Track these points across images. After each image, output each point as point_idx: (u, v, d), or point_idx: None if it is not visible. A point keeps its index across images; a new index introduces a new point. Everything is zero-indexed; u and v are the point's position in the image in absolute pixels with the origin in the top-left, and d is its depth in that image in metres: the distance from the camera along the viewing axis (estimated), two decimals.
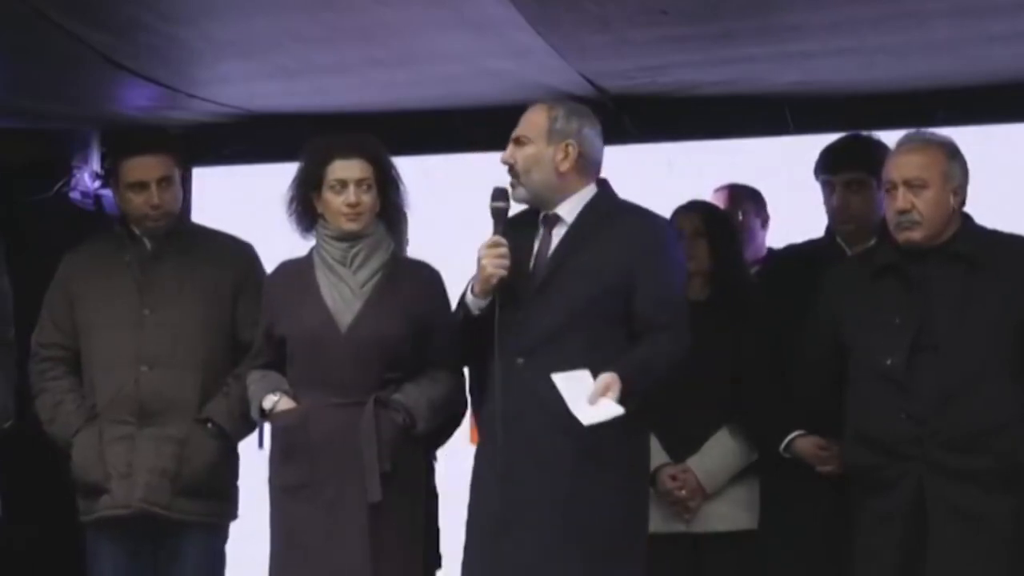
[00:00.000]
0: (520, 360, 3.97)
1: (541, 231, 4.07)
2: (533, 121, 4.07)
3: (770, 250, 5.15)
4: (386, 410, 4.14)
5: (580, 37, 4.76)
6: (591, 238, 4.02)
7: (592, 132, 4.10)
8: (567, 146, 4.04)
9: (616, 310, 3.98)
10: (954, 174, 4.02)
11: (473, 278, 4.01)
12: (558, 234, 4.06)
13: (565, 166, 4.05)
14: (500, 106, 4.23)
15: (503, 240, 3.97)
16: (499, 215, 4.01)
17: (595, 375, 3.87)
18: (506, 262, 3.94)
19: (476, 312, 4.00)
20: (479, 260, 3.95)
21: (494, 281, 3.95)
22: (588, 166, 4.09)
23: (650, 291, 3.97)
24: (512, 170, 4.05)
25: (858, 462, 4.06)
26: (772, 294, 4.55)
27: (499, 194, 4.03)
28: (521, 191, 4.04)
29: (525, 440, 3.94)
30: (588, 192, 4.09)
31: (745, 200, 5.22)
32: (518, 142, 4.05)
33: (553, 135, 4.04)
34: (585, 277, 3.98)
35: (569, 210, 4.06)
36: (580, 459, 3.93)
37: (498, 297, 3.96)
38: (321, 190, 4.24)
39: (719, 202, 5.17)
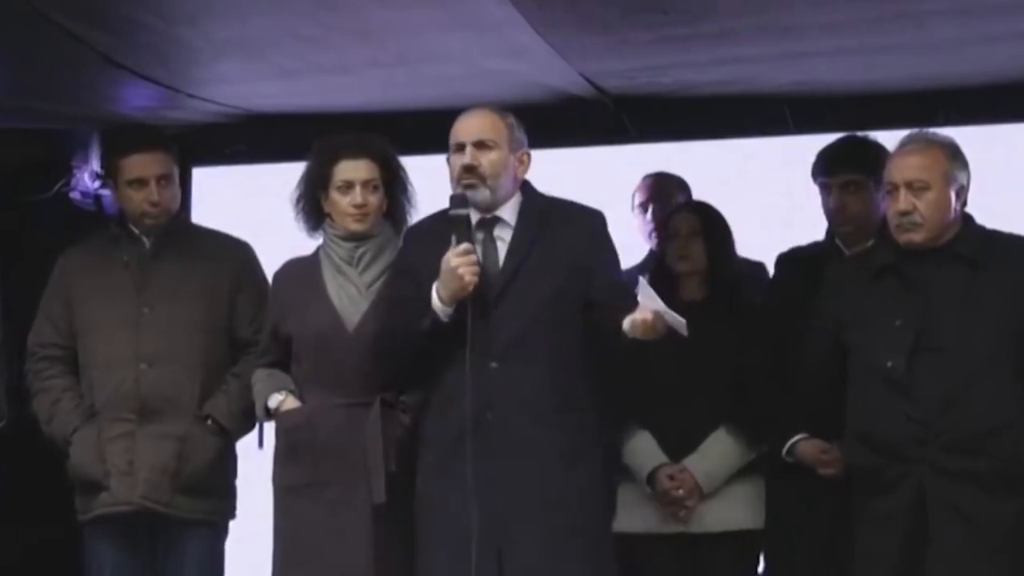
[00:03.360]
0: (494, 364, 3.96)
1: (481, 235, 4.05)
2: (493, 126, 4.08)
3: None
4: (392, 410, 4.14)
5: (580, 37, 4.76)
6: (539, 237, 4.05)
7: None
8: (523, 155, 4.11)
9: (576, 300, 4.01)
10: (956, 175, 4.01)
11: (436, 286, 3.96)
12: (501, 236, 4.07)
13: (522, 172, 4.12)
14: (501, 106, 4.23)
15: (472, 247, 3.95)
16: (463, 222, 3.98)
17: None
18: (478, 268, 3.93)
19: (445, 320, 3.96)
20: (453, 269, 3.91)
21: (470, 289, 3.93)
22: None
23: (606, 280, 4.02)
24: (475, 172, 4.03)
25: (859, 463, 4.05)
26: (774, 296, 4.55)
27: (460, 200, 4.01)
28: (485, 193, 4.02)
29: (509, 441, 3.93)
30: (519, 193, 4.13)
31: (675, 190, 5.16)
32: (482, 146, 4.04)
33: (513, 142, 4.09)
34: (544, 275, 4.01)
35: (510, 213, 4.08)
36: (566, 455, 3.96)
37: (470, 304, 3.94)
38: (328, 190, 4.24)
39: (643, 192, 5.15)
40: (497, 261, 4.05)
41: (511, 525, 3.91)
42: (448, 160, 4.12)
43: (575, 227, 4.08)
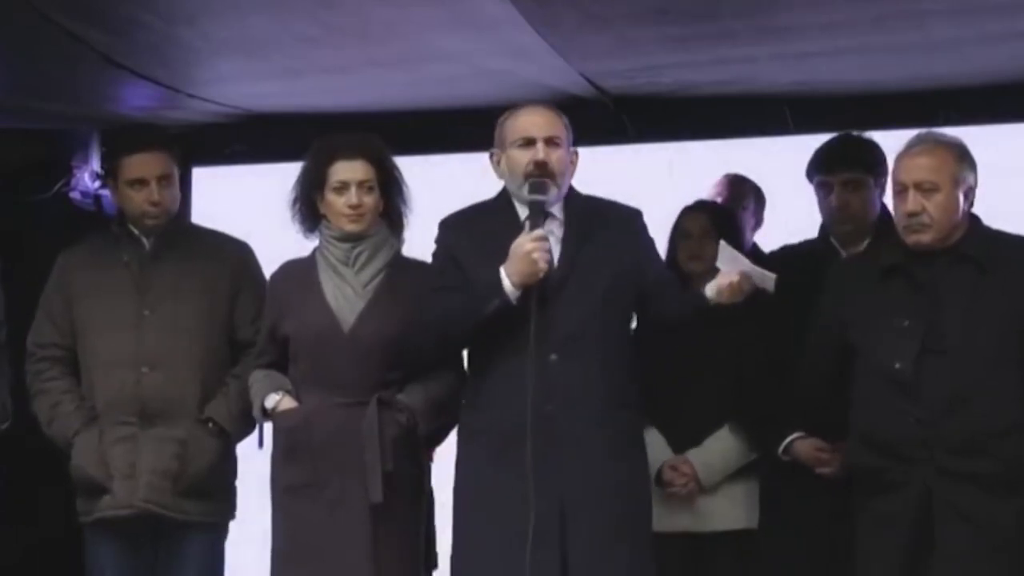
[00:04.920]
0: (554, 356, 3.96)
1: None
2: (557, 124, 4.09)
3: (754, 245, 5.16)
4: (389, 410, 4.15)
5: (580, 37, 4.76)
6: (589, 232, 4.07)
7: None
8: (574, 154, 4.13)
9: (625, 299, 4.06)
10: (964, 176, 4.00)
11: (505, 269, 3.93)
12: (551, 230, 4.05)
13: (572, 170, 4.13)
14: (501, 106, 4.22)
15: (545, 233, 3.96)
16: (539, 208, 3.99)
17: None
18: (550, 256, 3.95)
19: (515, 303, 3.94)
20: (528, 252, 3.90)
21: (541, 275, 3.93)
22: None
23: (657, 273, 4.12)
24: (547, 169, 4.02)
25: (863, 464, 4.04)
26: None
27: (540, 187, 3.99)
28: (554, 191, 4.03)
29: (569, 433, 3.94)
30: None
31: (745, 197, 5.20)
32: (551, 142, 4.05)
33: (568, 142, 4.11)
34: (596, 271, 4.02)
35: (557, 209, 4.09)
36: (623, 448, 4.01)
37: (536, 293, 3.93)
38: (324, 191, 4.24)
39: (720, 191, 5.16)
40: (552, 256, 4.02)
41: (569, 515, 3.92)
42: (505, 154, 4.09)
43: (621, 227, 4.11)
